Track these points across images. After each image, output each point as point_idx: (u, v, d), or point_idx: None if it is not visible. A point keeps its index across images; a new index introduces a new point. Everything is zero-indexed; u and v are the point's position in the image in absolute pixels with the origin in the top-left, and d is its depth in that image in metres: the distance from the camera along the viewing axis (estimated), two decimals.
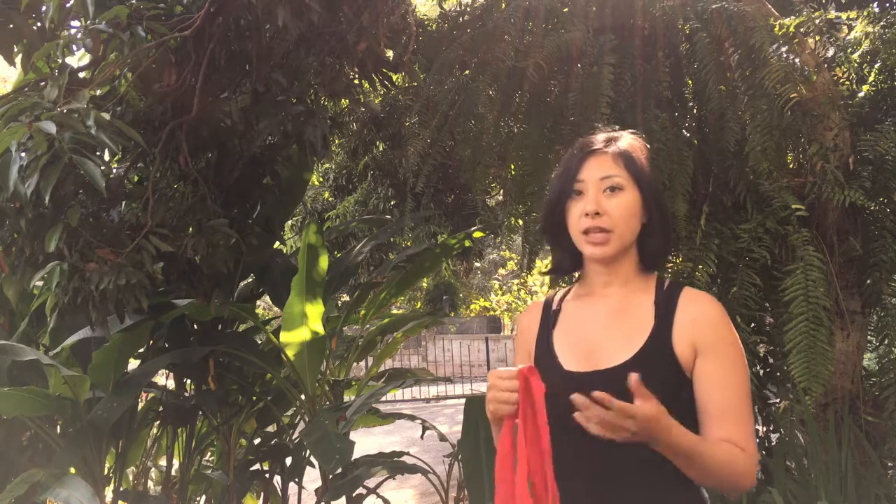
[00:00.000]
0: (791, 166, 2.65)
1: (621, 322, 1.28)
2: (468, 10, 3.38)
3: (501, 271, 20.43)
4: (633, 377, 1.08)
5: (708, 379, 1.21)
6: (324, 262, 3.30)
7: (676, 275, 2.48)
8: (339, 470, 3.12)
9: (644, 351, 1.22)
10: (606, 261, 1.29)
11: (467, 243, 3.99)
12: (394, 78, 3.63)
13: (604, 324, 1.29)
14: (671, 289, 1.30)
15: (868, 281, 2.55)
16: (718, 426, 1.18)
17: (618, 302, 1.30)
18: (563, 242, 1.34)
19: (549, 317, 1.38)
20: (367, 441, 5.56)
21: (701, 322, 1.23)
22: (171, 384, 3.84)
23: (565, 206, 1.31)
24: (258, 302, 4.73)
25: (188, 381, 3.71)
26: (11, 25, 2.69)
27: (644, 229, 1.30)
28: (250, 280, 3.91)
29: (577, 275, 1.43)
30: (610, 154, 1.29)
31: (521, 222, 3.49)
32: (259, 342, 3.76)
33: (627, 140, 1.34)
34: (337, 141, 5.54)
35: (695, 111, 2.82)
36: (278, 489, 3.83)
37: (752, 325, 2.71)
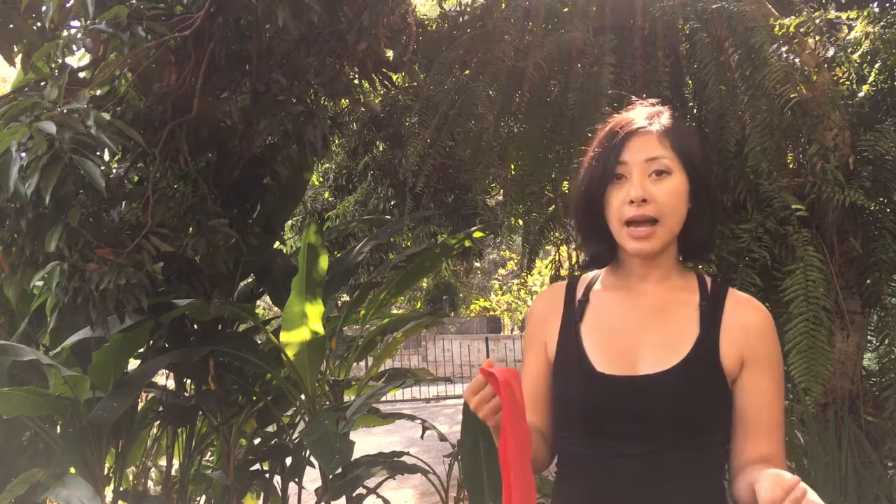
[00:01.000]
0: (791, 166, 2.65)
1: (663, 324, 1.16)
2: (468, 10, 3.38)
3: (501, 271, 20.44)
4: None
5: (758, 394, 1.13)
6: (324, 262, 3.31)
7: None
8: (339, 470, 3.12)
9: (690, 359, 1.12)
10: (649, 256, 1.17)
11: (467, 243, 3.99)
12: (394, 78, 3.63)
13: (643, 324, 1.17)
14: (716, 290, 1.19)
15: (868, 281, 2.55)
16: (766, 442, 1.13)
17: (658, 301, 1.18)
18: (599, 232, 1.19)
19: (574, 307, 1.23)
20: (367, 441, 5.56)
21: (752, 332, 1.14)
22: (171, 384, 3.84)
23: (605, 191, 1.16)
24: (258, 302, 4.73)
25: (188, 381, 3.71)
26: (11, 25, 2.68)
27: (688, 218, 1.15)
28: (250, 280, 3.92)
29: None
30: (655, 133, 1.15)
31: (521, 222, 3.49)
32: (259, 342, 3.76)
33: (669, 116, 1.19)
34: (337, 141, 5.54)
35: (695, 111, 2.82)
36: (278, 489, 3.83)
37: None
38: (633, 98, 1.30)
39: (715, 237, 1.23)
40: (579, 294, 1.25)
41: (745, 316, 1.15)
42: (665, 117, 1.19)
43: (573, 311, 1.23)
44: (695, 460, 1.12)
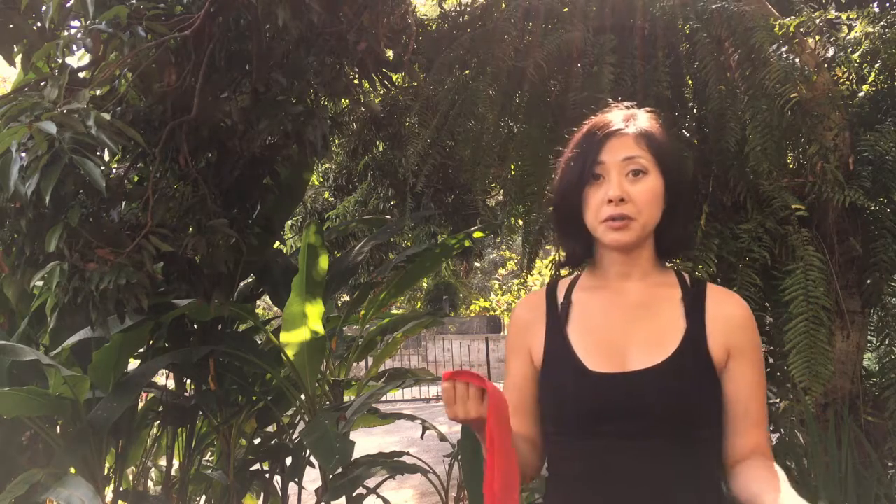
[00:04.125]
0: (791, 166, 2.65)
1: (648, 319, 1.18)
2: (468, 10, 3.38)
3: (501, 271, 20.44)
4: None
5: (745, 383, 1.15)
6: (324, 262, 3.31)
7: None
8: (339, 470, 3.12)
9: (679, 352, 1.14)
10: (626, 248, 1.19)
11: (467, 243, 3.99)
12: (394, 78, 3.63)
13: (629, 320, 1.19)
14: (695, 284, 1.22)
15: (868, 281, 2.55)
16: (754, 432, 1.15)
17: (641, 297, 1.20)
18: (576, 231, 1.23)
19: (558, 311, 1.25)
20: (367, 441, 5.56)
21: (735, 323, 1.17)
22: (171, 384, 3.84)
23: (582, 192, 1.19)
24: (258, 302, 4.73)
25: (188, 381, 3.71)
26: (11, 25, 2.69)
27: (664, 216, 1.19)
28: (250, 280, 3.92)
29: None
30: (632, 135, 1.18)
31: (521, 222, 3.49)
32: (259, 342, 3.76)
33: (646, 118, 1.23)
34: (337, 141, 5.54)
35: (695, 111, 2.82)
36: (278, 489, 3.83)
37: None
38: (610, 101, 1.34)
39: (691, 235, 1.28)
40: (561, 297, 1.27)
41: (727, 308, 1.19)
42: (642, 119, 1.22)
43: (557, 315, 1.24)
44: (692, 454, 1.13)
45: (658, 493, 1.10)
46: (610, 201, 1.15)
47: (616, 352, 1.16)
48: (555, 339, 1.22)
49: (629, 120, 1.21)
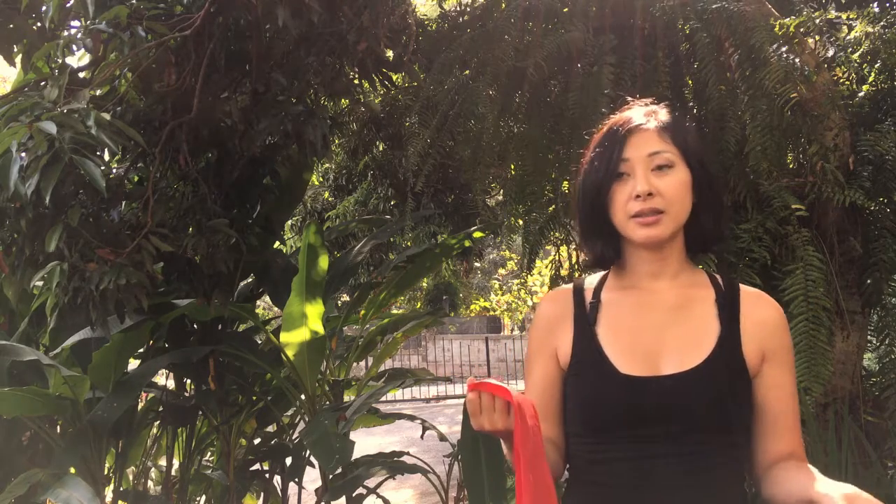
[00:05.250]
0: (791, 166, 2.65)
1: (682, 322, 1.15)
2: (468, 10, 3.38)
3: (501, 271, 20.44)
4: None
5: (780, 388, 1.13)
6: (324, 262, 3.30)
7: None
8: (339, 470, 3.11)
9: (714, 356, 1.11)
10: (657, 245, 1.15)
11: (467, 243, 3.98)
12: (394, 78, 3.63)
13: (662, 323, 1.15)
14: (728, 285, 1.19)
15: (868, 281, 2.55)
16: (790, 437, 1.13)
17: (674, 298, 1.17)
18: (604, 231, 1.19)
19: (587, 310, 1.21)
20: (367, 441, 5.56)
21: (770, 326, 1.15)
22: (171, 384, 3.84)
23: (609, 191, 1.15)
24: (258, 302, 4.73)
25: (188, 381, 3.71)
26: (11, 25, 2.69)
27: (693, 211, 1.16)
28: (250, 280, 3.91)
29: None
30: (654, 129, 1.16)
31: (521, 222, 3.49)
32: (259, 342, 3.76)
33: (667, 112, 1.21)
34: (337, 141, 5.54)
35: (695, 111, 2.82)
36: (278, 489, 3.83)
37: None
38: (629, 98, 1.31)
39: (723, 228, 1.23)
40: (589, 297, 1.23)
41: (762, 311, 1.17)
42: (662, 114, 1.20)
43: (585, 315, 1.20)
44: (725, 460, 1.11)
45: (691, 500, 1.08)
46: (637, 196, 1.12)
47: (649, 355, 1.13)
48: (584, 340, 1.18)
49: (650, 115, 1.19)
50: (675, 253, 1.18)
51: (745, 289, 1.20)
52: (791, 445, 1.13)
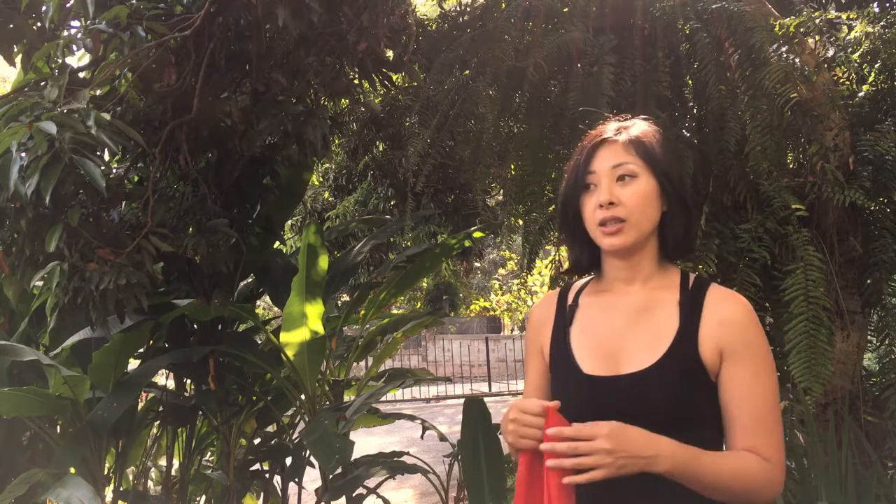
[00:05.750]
0: (791, 166, 2.65)
1: (644, 323, 1.20)
2: (468, 10, 3.38)
3: (501, 271, 20.44)
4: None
5: (735, 386, 1.14)
6: (324, 262, 3.30)
7: None
8: (339, 470, 3.12)
9: (669, 354, 1.15)
10: (624, 253, 1.22)
11: (467, 243, 3.99)
12: (394, 78, 3.63)
13: (625, 324, 1.21)
14: (697, 286, 1.22)
15: (868, 281, 2.55)
16: (744, 435, 1.13)
17: (640, 301, 1.22)
18: (580, 238, 1.27)
19: (565, 312, 1.29)
20: (367, 441, 5.56)
21: (729, 325, 1.16)
22: (171, 384, 3.84)
23: (579, 200, 1.24)
24: (258, 302, 4.73)
25: (188, 381, 3.71)
26: (11, 25, 2.69)
27: (664, 218, 1.22)
28: (250, 280, 3.91)
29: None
30: (621, 142, 1.22)
31: (521, 222, 3.50)
32: (259, 342, 3.76)
33: (639, 127, 1.27)
34: (337, 141, 5.54)
35: (695, 111, 2.82)
36: (278, 489, 3.83)
37: None
38: (606, 114, 1.39)
39: (693, 236, 1.29)
40: (570, 300, 1.31)
41: (724, 309, 1.18)
42: (634, 128, 1.26)
43: (564, 316, 1.29)
44: None
45: (653, 497, 1.10)
46: (601, 206, 1.19)
47: (611, 355, 1.19)
48: (559, 341, 1.27)
49: (621, 130, 1.25)
50: (645, 259, 1.24)
51: (714, 288, 1.22)
52: (749, 442, 1.13)
